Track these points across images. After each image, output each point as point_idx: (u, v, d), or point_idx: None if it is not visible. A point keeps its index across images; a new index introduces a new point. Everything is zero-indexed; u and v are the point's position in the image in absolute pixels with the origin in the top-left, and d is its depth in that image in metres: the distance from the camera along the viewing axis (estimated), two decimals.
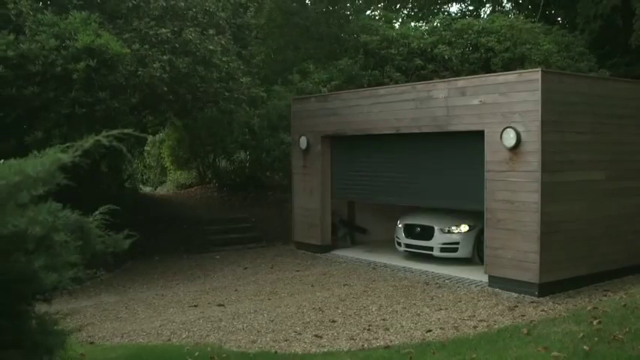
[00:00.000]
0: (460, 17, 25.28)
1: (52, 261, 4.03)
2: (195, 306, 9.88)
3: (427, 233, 12.53)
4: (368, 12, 27.26)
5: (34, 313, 4.37)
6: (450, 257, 12.33)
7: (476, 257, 12.16)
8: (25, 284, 3.91)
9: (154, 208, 17.93)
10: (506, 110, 10.17)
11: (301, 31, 20.76)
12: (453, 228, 12.32)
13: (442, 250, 12.35)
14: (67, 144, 3.42)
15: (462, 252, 12.23)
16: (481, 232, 11.97)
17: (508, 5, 30.87)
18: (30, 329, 4.15)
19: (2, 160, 3.72)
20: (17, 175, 3.07)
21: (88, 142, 3.28)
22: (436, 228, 12.42)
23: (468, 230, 12.23)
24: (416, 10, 30.68)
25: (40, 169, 3.12)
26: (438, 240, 12.37)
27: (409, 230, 12.91)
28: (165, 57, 11.77)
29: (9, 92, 10.05)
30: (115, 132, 3.34)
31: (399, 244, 13.17)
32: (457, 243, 12.24)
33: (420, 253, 12.71)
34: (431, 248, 12.45)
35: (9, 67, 10.12)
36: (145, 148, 21.97)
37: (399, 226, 13.20)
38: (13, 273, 3.78)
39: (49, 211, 3.62)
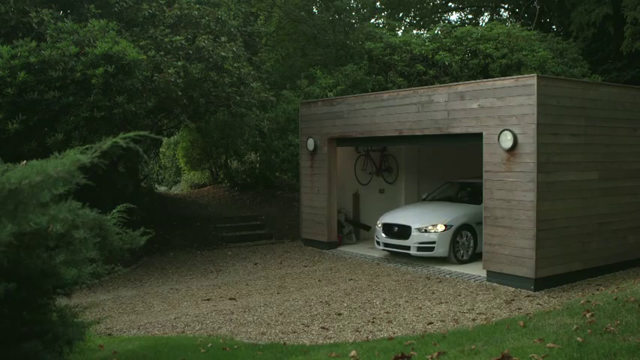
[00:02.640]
0: (460, 25, 25.27)
1: (72, 257, 4.04)
2: (208, 300, 9.89)
3: (404, 232, 12.20)
4: (372, 20, 27.25)
5: (54, 306, 4.38)
6: (426, 256, 12.08)
7: (452, 256, 11.93)
8: (46, 279, 3.92)
9: (169, 207, 17.94)
10: (503, 114, 10.14)
11: (309, 39, 20.78)
12: (430, 227, 11.94)
13: (419, 249, 12.00)
14: (86, 146, 3.42)
15: (438, 251, 11.89)
16: (457, 232, 11.84)
17: (505, 14, 30.90)
18: (51, 321, 4.17)
19: (25, 161, 3.72)
20: (39, 175, 3.07)
21: (106, 143, 3.28)
22: (413, 227, 12.06)
23: (445, 230, 11.87)
24: (418, 18, 30.71)
25: (60, 170, 3.12)
26: (414, 239, 12.02)
27: (388, 230, 12.60)
28: (179, 63, 11.77)
29: (31, 96, 10.05)
30: (131, 134, 3.33)
31: (378, 243, 12.88)
32: (433, 242, 11.87)
33: (398, 252, 12.47)
34: (408, 247, 12.13)
35: (31, 73, 10.13)
36: (160, 149, 21.99)
37: (378, 225, 12.92)
38: (35, 268, 3.79)
39: (69, 209, 3.62)
